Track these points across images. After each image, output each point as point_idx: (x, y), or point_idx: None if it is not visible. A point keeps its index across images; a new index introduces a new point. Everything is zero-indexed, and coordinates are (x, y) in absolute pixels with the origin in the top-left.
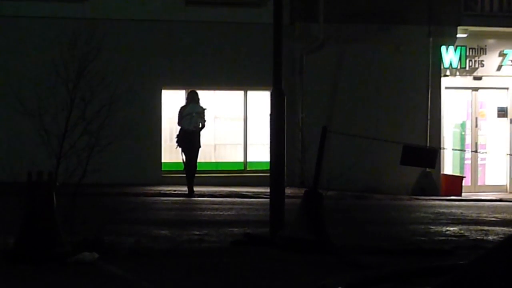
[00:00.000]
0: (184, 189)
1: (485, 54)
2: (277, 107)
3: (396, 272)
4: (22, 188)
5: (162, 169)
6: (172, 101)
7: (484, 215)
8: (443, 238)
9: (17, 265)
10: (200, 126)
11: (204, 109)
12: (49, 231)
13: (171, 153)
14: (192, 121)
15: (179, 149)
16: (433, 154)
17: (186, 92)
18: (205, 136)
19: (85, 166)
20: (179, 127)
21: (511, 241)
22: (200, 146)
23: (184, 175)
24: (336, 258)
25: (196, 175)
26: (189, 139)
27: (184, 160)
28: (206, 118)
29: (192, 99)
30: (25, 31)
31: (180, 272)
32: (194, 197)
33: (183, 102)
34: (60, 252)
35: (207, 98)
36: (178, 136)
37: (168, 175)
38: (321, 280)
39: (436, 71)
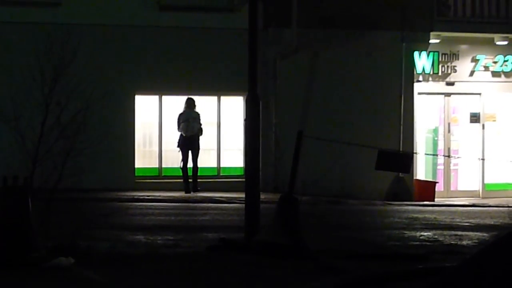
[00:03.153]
0: (157, 194)
1: (458, 59)
2: (253, 113)
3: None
4: None
5: (136, 175)
6: (146, 106)
7: (458, 220)
8: (418, 243)
9: None
10: (197, 130)
11: (198, 114)
12: (24, 236)
13: (144, 159)
14: (189, 126)
15: (180, 154)
16: (407, 159)
17: (159, 98)
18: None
19: (60, 170)
20: (179, 133)
21: (504, 241)
22: (199, 149)
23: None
24: (312, 262)
25: (170, 180)
26: (188, 143)
27: (182, 164)
28: (201, 122)
29: (189, 105)
30: None
31: (157, 277)
32: (191, 193)
33: (155, 107)
34: (36, 257)
35: (180, 103)
36: (179, 141)
37: (141, 181)
38: (299, 284)
39: (409, 76)
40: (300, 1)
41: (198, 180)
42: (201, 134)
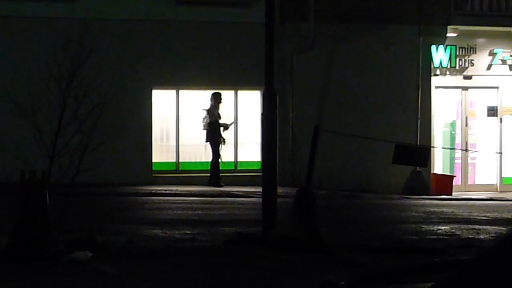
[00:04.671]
0: (174, 188)
1: (475, 53)
2: (269, 107)
3: (399, 268)
4: (15, 187)
5: (153, 169)
6: (163, 101)
7: (475, 214)
8: (435, 237)
9: (10, 264)
10: (205, 125)
11: (205, 109)
12: (42, 230)
13: (161, 153)
14: (203, 121)
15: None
16: (425, 153)
17: (176, 92)
18: (196, 136)
19: (77, 165)
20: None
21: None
22: (208, 141)
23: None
24: (328, 256)
25: (187, 175)
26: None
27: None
28: (212, 115)
29: (210, 100)
30: (17, 31)
31: (174, 271)
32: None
33: (173, 101)
34: (53, 251)
35: (197, 98)
36: None
37: (159, 175)
38: (316, 277)
39: (426, 70)
40: None
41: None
42: (206, 128)
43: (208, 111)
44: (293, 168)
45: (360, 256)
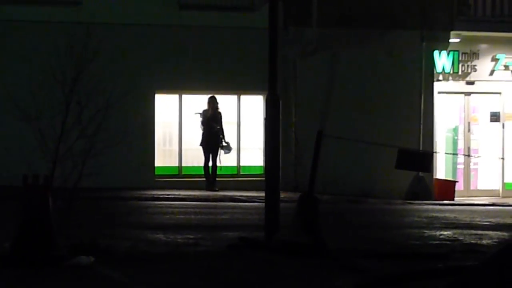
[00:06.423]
0: (177, 193)
1: (478, 59)
2: (272, 112)
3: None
4: (18, 191)
5: (156, 173)
6: (166, 105)
7: (478, 219)
8: (438, 242)
9: (13, 269)
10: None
11: (198, 112)
12: (45, 234)
13: (164, 157)
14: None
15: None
16: (428, 158)
17: (179, 96)
18: (199, 140)
19: (80, 169)
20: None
21: None
22: (201, 145)
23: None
24: (332, 261)
25: (189, 179)
26: None
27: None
28: (204, 117)
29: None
30: (20, 35)
31: (177, 275)
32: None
33: (175, 106)
34: (56, 256)
35: (200, 102)
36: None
37: (161, 179)
38: (319, 282)
39: (428, 75)
40: (320, 1)
41: (217, 179)
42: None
43: (201, 114)
44: (296, 173)
45: (363, 261)
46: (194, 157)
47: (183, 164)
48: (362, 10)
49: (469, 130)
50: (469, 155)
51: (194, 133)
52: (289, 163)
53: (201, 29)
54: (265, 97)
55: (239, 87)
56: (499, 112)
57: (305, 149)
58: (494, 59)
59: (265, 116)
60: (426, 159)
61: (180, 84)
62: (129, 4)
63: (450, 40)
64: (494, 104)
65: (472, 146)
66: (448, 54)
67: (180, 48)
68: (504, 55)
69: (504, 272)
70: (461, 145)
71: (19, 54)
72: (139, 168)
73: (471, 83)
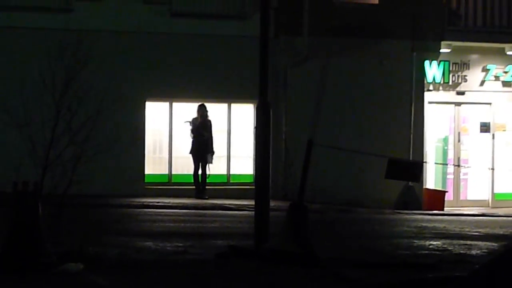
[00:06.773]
0: (167, 200)
1: (468, 69)
2: (263, 120)
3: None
4: (7, 198)
5: (145, 181)
6: (156, 113)
7: (467, 229)
8: (427, 252)
9: (2, 275)
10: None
11: (188, 121)
12: (34, 241)
13: (154, 165)
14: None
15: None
16: (418, 168)
17: (169, 104)
18: (189, 148)
19: (70, 176)
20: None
21: None
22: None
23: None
24: (321, 270)
25: (179, 187)
26: None
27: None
28: (193, 125)
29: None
30: (11, 41)
31: (165, 283)
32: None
33: (166, 114)
34: (45, 263)
35: (191, 110)
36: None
37: (151, 187)
38: None
39: (419, 85)
40: (311, 10)
41: (207, 187)
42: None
43: (190, 122)
44: (286, 181)
45: (352, 270)
46: (184, 165)
47: (173, 172)
48: (353, 19)
49: (459, 140)
50: (459, 165)
51: (184, 141)
52: (279, 171)
53: (192, 37)
54: (255, 106)
55: (230, 96)
56: (489, 123)
57: (295, 158)
58: (485, 70)
59: (255, 125)
60: (416, 169)
61: (171, 92)
62: (120, 11)
63: (441, 50)
64: (484, 115)
65: (462, 156)
66: (438, 64)
67: (171, 56)
68: (494, 66)
69: (494, 283)
70: (451, 155)
71: (9, 60)
72: (129, 175)
73: (461, 93)
